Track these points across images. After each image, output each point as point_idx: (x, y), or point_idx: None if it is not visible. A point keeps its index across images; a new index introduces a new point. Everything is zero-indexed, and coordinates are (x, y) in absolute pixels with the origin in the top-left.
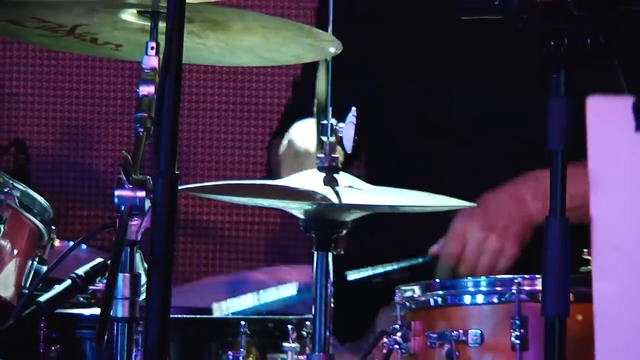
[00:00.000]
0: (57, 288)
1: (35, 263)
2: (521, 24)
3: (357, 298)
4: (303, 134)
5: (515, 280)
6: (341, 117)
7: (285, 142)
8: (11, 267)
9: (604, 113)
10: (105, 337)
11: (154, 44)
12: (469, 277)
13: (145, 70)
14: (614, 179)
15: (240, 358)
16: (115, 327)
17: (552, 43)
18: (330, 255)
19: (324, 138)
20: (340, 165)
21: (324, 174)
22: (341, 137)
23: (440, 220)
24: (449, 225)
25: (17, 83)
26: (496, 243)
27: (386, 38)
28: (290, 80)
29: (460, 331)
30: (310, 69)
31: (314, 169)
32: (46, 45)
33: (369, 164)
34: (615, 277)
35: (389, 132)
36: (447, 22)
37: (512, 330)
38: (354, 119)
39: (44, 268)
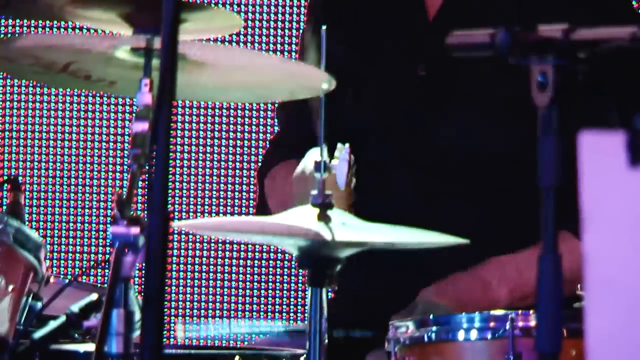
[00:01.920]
0: (52, 324)
1: (29, 299)
2: (512, 60)
3: (343, 345)
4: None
5: (509, 316)
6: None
7: (300, 167)
8: (5, 303)
9: (597, 149)
10: None
11: (147, 81)
12: (463, 313)
13: (139, 107)
14: (608, 215)
15: None
16: None
17: (541, 79)
18: (324, 291)
19: (317, 175)
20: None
21: (317, 210)
22: (335, 174)
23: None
24: (416, 300)
25: (10, 119)
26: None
27: (370, 71)
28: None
29: None
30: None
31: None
32: (40, 81)
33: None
34: (608, 312)
35: (373, 167)
36: (433, 57)
37: None
38: (347, 156)
39: (39, 304)
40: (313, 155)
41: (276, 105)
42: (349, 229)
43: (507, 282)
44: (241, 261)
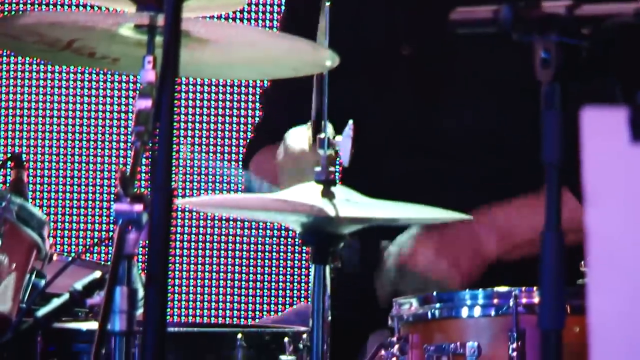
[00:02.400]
0: (55, 302)
1: (33, 277)
2: (516, 36)
3: (346, 326)
4: (297, 138)
5: (513, 293)
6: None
7: (281, 149)
8: (9, 281)
9: (599, 125)
10: (103, 350)
11: (151, 58)
12: (466, 290)
13: (143, 84)
14: (610, 191)
15: None
16: (112, 340)
17: (545, 55)
18: (327, 268)
19: (321, 151)
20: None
21: (321, 187)
22: (338, 150)
23: None
24: (406, 235)
25: (14, 97)
26: (443, 269)
27: (369, 54)
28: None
29: (458, 344)
30: (279, 83)
31: (312, 179)
32: (44, 59)
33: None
34: (611, 290)
35: (373, 150)
36: (432, 37)
37: (509, 343)
38: (350, 132)
39: (42, 282)
40: (293, 135)
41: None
42: (353, 206)
43: (495, 233)
44: (245, 238)
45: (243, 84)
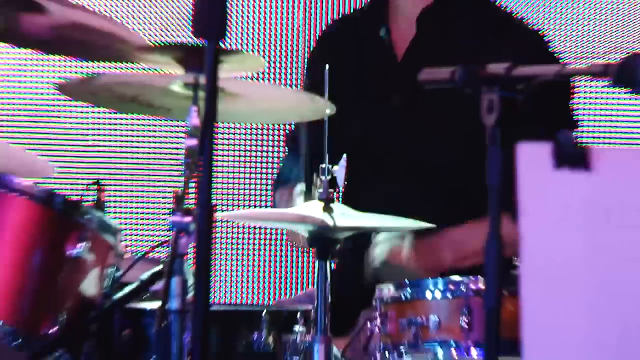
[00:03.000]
0: (128, 288)
1: (111, 270)
2: (468, 91)
3: (343, 303)
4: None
5: (465, 281)
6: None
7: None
8: (95, 274)
9: (530, 156)
10: (163, 324)
11: (195, 108)
12: (430, 279)
13: (190, 128)
14: (539, 207)
15: (263, 337)
16: (170, 317)
17: (488, 103)
18: (328, 263)
19: (323, 177)
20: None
21: (322, 204)
22: (335, 177)
23: None
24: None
25: (94, 131)
26: (415, 268)
27: (356, 102)
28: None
29: (423, 317)
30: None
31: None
32: (114, 109)
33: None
34: (538, 279)
35: (360, 174)
36: (403, 89)
37: (461, 317)
38: (344, 163)
39: (118, 274)
40: (299, 191)
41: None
42: (346, 217)
43: (452, 250)
44: (267, 242)
45: (264, 127)
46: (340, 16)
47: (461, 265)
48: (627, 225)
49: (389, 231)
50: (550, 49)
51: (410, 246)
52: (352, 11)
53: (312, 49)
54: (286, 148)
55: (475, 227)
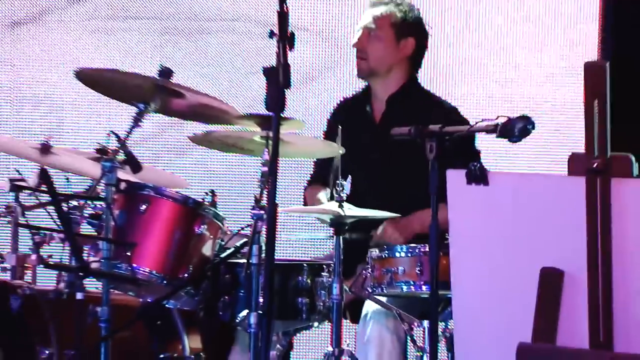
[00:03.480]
0: (228, 251)
1: (219, 241)
2: (418, 140)
3: (353, 258)
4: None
5: (418, 247)
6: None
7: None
8: (210, 243)
9: (453, 176)
10: (248, 271)
11: (266, 150)
12: (398, 245)
13: (264, 161)
14: (459, 205)
15: (305, 278)
16: (252, 267)
17: (430, 147)
18: (341, 237)
19: (338, 188)
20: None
21: (337, 203)
22: (344, 187)
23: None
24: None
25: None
26: (397, 237)
27: (351, 151)
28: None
29: (395, 268)
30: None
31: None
32: (220, 150)
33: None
34: (459, 246)
35: (357, 190)
36: (381, 142)
37: (416, 268)
38: (350, 180)
39: (222, 242)
40: (322, 193)
41: (314, 161)
42: (350, 210)
43: (418, 222)
44: (303, 224)
45: (303, 160)
46: (345, 98)
47: (422, 232)
48: (506, 215)
49: (374, 219)
50: (456, 114)
51: (392, 225)
52: (352, 95)
53: (329, 117)
54: (314, 168)
55: (429, 211)
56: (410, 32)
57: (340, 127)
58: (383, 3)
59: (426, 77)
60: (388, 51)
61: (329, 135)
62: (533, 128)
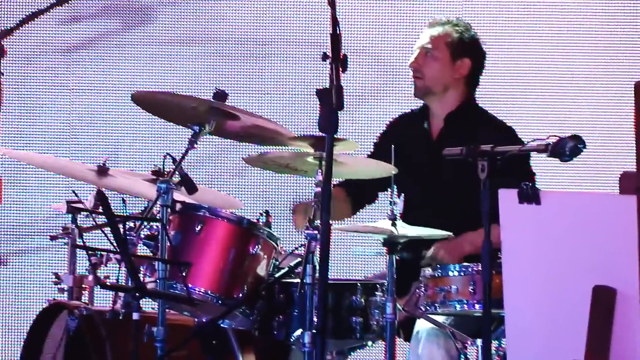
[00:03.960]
0: (282, 271)
1: (274, 261)
2: (470, 160)
3: (406, 277)
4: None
5: (471, 266)
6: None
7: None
8: (264, 263)
9: (507, 197)
10: (302, 291)
11: (320, 170)
12: (451, 265)
13: (317, 181)
14: (511, 224)
15: (358, 298)
16: (305, 286)
17: (481, 167)
18: (394, 257)
19: (391, 205)
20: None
21: (391, 222)
22: (398, 206)
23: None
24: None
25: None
26: (448, 259)
27: (407, 168)
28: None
29: (448, 287)
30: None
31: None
32: (273, 171)
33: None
34: (512, 265)
35: (412, 204)
36: (437, 159)
37: (470, 286)
38: (403, 198)
39: (277, 262)
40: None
41: None
42: (403, 229)
43: (469, 243)
44: (359, 244)
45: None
46: (399, 115)
47: (474, 253)
48: (559, 234)
49: (426, 238)
50: (512, 134)
51: (443, 246)
52: (409, 112)
53: (380, 134)
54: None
55: (480, 233)
56: (466, 53)
57: (393, 146)
58: (440, 23)
59: (478, 96)
60: (444, 71)
61: (377, 154)
62: (584, 147)
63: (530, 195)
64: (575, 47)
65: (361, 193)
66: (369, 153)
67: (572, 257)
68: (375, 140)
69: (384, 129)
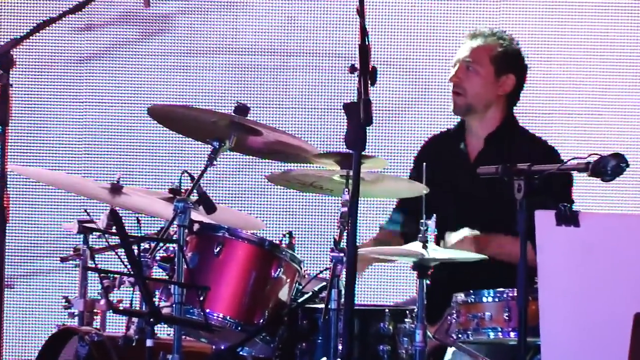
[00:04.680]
0: (306, 296)
1: (297, 285)
2: (506, 179)
3: (437, 303)
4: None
5: (506, 291)
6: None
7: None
8: (287, 287)
9: (544, 219)
10: (327, 317)
11: (346, 189)
12: (485, 290)
13: (343, 200)
14: (548, 247)
15: (386, 325)
16: (331, 312)
17: (518, 186)
18: (424, 281)
19: (422, 227)
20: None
21: (422, 244)
22: (428, 229)
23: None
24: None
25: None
26: (470, 249)
27: (444, 187)
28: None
29: (482, 313)
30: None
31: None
32: (297, 190)
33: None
34: (549, 291)
35: (447, 226)
36: (474, 179)
37: (504, 314)
38: (434, 219)
39: (300, 287)
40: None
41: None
42: (434, 252)
43: (497, 245)
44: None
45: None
46: (435, 135)
47: (497, 258)
48: (599, 258)
49: (458, 261)
50: (555, 155)
51: (472, 239)
52: (444, 131)
53: (417, 154)
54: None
55: (511, 239)
56: (510, 68)
57: (425, 164)
58: (483, 35)
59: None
60: (487, 87)
61: (417, 175)
62: (627, 166)
63: (569, 217)
64: (617, 59)
65: (412, 227)
66: (410, 174)
67: (612, 282)
68: (414, 157)
69: (419, 150)
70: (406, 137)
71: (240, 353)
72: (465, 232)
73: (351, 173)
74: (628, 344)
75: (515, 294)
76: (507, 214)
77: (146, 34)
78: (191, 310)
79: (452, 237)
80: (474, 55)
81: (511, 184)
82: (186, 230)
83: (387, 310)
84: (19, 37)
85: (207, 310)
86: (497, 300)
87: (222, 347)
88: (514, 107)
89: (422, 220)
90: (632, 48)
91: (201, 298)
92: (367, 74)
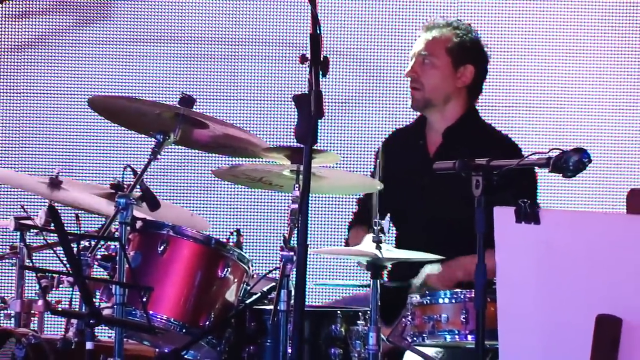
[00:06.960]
0: (254, 297)
1: (244, 285)
2: (464, 174)
3: (391, 304)
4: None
5: (463, 292)
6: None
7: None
8: (234, 287)
9: (501, 214)
10: (276, 319)
11: (297, 185)
12: (441, 291)
13: (293, 197)
14: (507, 247)
15: (338, 327)
16: (279, 314)
17: (476, 182)
18: (378, 282)
19: (375, 227)
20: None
21: (375, 244)
22: (382, 227)
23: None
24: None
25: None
26: (437, 285)
27: (400, 182)
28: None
29: (438, 315)
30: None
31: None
32: (245, 186)
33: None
34: (508, 292)
35: (402, 225)
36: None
37: (461, 315)
38: (388, 219)
39: (248, 287)
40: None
41: (357, 196)
42: (388, 252)
43: (461, 269)
44: (336, 265)
45: (341, 196)
46: (395, 130)
47: (466, 280)
48: (560, 257)
49: (414, 261)
50: (516, 150)
51: (436, 272)
52: (403, 127)
53: (377, 150)
54: (357, 206)
55: (471, 258)
56: (469, 59)
57: (379, 160)
58: (438, 26)
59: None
60: (445, 80)
61: (375, 171)
62: (589, 162)
63: (529, 214)
64: (581, 53)
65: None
66: (371, 171)
67: (574, 282)
68: (375, 154)
69: (382, 142)
70: (360, 131)
71: (185, 357)
72: (427, 270)
73: (302, 168)
74: (590, 347)
75: (473, 295)
76: (466, 211)
77: (86, 21)
78: (133, 312)
79: (416, 279)
80: (430, 48)
81: (469, 179)
82: (128, 228)
83: (339, 311)
84: None
85: (150, 312)
86: (453, 301)
87: (166, 351)
88: (476, 100)
89: (375, 220)
90: (595, 41)
91: (144, 299)
92: (318, 64)
